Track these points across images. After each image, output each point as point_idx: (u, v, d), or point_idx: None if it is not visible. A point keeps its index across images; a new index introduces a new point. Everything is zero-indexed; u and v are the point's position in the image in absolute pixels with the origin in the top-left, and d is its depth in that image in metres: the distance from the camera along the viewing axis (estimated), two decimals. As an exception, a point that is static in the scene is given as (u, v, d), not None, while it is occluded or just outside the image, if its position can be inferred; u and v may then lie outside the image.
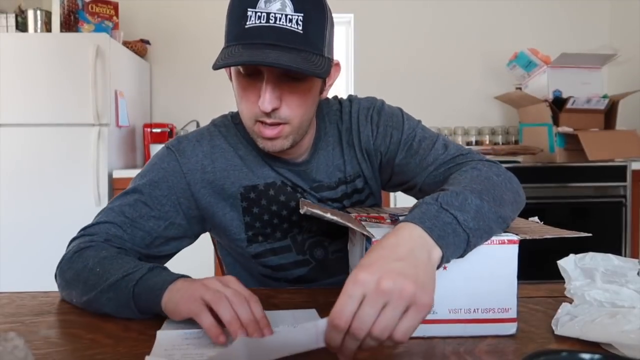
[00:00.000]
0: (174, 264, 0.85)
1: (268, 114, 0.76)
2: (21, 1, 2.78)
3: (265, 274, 0.93)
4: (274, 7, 0.71)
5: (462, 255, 0.60)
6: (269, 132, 0.78)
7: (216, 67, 0.72)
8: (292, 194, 0.89)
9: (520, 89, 2.85)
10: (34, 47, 2.45)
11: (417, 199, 0.90)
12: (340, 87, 3.21)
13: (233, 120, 0.92)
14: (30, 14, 2.61)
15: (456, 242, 0.58)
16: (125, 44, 2.84)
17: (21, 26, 2.64)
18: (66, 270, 0.77)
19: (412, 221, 0.58)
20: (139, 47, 2.95)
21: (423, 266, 0.54)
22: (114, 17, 2.75)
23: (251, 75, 0.76)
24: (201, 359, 0.56)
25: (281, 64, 0.69)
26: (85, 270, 0.74)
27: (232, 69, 0.79)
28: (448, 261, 0.58)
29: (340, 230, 0.93)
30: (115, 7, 2.76)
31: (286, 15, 0.71)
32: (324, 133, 0.92)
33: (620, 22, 3.14)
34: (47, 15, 2.64)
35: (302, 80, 0.77)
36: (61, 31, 2.60)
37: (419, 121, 0.92)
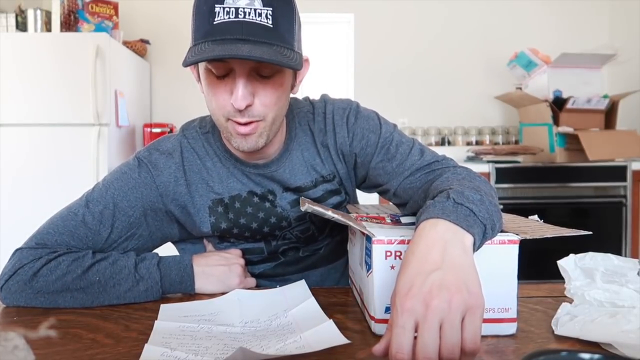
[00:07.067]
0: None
1: (241, 112, 0.74)
2: (21, 1, 2.78)
3: None
4: (243, 2, 0.69)
5: (477, 249, 0.60)
6: (244, 129, 0.76)
7: (186, 63, 0.69)
8: (260, 204, 0.87)
9: (520, 88, 2.85)
10: (34, 47, 2.45)
11: (391, 202, 0.91)
12: (340, 87, 3.21)
13: (201, 130, 0.89)
14: (30, 13, 2.61)
15: (478, 232, 0.58)
16: (125, 43, 2.84)
17: (21, 26, 2.64)
18: (47, 281, 0.75)
19: (435, 217, 0.58)
20: (139, 47, 2.95)
21: (460, 263, 0.53)
22: (114, 17, 2.75)
23: (223, 75, 0.74)
24: (197, 349, 0.57)
25: (254, 56, 0.67)
26: (79, 280, 0.75)
27: (202, 68, 0.77)
28: (477, 249, 0.58)
29: (316, 236, 0.94)
30: (115, 7, 2.76)
31: (255, 10, 0.70)
32: (295, 134, 0.90)
33: (620, 22, 3.14)
34: (47, 15, 2.64)
35: (273, 76, 0.75)
36: (61, 31, 2.61)
37: (395, 126, 0.91)
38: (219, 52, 0.68)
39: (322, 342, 0.56)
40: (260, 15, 0.70)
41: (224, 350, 0.56)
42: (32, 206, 2.43)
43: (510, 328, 0.63)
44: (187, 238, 0.93)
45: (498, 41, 3.17)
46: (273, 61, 0.68)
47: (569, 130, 2.54)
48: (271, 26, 0.71)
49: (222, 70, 0.74)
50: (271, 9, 0.71)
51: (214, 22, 0.70)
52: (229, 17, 0.70)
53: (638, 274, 0.65)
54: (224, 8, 0.70)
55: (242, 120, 0.75)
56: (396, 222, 0.76)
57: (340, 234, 0.97)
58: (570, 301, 0.68)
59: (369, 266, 0.64)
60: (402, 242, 0.62)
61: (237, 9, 0.69)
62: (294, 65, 0.71)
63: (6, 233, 2.42)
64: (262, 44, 0.70)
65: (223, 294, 0.79)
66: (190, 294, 0.81)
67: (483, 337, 0.62)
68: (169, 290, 0.79)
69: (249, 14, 0.70)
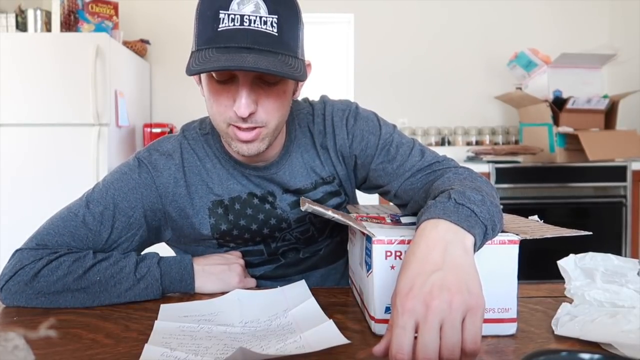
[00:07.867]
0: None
1: (244, 119, 0.74)
2: (21, 1, 2.78)
3: None
4: (248, 9, 0.69)
5: (477, 249, 0.59)
6: (245, 135, 0.75)
7: (192, 72, 0.69)
8: (260, 206, 0.87)
9: (520, 89, 2.85)
10: (34, 47, 2.45)
11: (392, 202, 0.91)
12: (340, 87, 3.21)
13: (201, 131, 0.89)
14: (30, 13, 2.61)
15: (479, 233, 0.58)
16: (125, 44, 2.84)
17: (21, 26, 2.64)
18: (48, 282, 0.75)
19: (436, 217, 0.58)
20: (139, 47, 2.95)
21: (461, 263, 0.53)
22: (114, 17, 2.75)
23: (225, 80, 0.74)
24: (197, 349, 0.57)
25: (261, 68, 0.66)
26: (80, 280, 0.75)
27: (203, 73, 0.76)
28: (477, 250, 0.58)
29: (316, 237, 0.93)
30: (115, 7, 2.76)
31: (260, 17, 0.69)
32: (294, 136, 0.89)
33: (620, 22, 3.14)
34: (47, 15, 2.64)
35: (277, 83, 0.75)
36: (61, 31, 2.60)
37: (394, 126, 0.91)
38: (224, 62, 0.67)
39: (322, 342, 0.56)
40: (265, 23, 0.69)
41: (224, 351, 0.56)
42: (32, 206, 2.43)
43: (510, 328, 0.63)
44: (175, 245, 0.93)
45: (498, 41, 3.17)
46: (279, 73, 0.68)
47: (569, 130, 2.54)
48: (276, 34, 0.70)
49: (224, 76, 0.73)
50: (276, 16, 0.70)
51: (219, 29, 0.69)
52: (234, 25, 0.69)
53: (638, 274, 0.65)
54: (228, 15, 0.69)
55: (244, 125, 0.75)
56: (396, 222, 0.76)
57: (340, 234, 0.97)
58: (570, 301, 0.68)
59: (369, 266, 0.64)
60: (402, 242, 0.62)
61: (242, 16, 0.69)
62: (299, 77, 0.71)
63: (6, 233, 2.42)
64: (267, 53, 0.69)
65: (223, 294, 0.79)
66: (190, 294, 0.81)
67: (483, 337, 0.62)
68: (169, 289, 0.79)
69: (254, 21, 0.69)
